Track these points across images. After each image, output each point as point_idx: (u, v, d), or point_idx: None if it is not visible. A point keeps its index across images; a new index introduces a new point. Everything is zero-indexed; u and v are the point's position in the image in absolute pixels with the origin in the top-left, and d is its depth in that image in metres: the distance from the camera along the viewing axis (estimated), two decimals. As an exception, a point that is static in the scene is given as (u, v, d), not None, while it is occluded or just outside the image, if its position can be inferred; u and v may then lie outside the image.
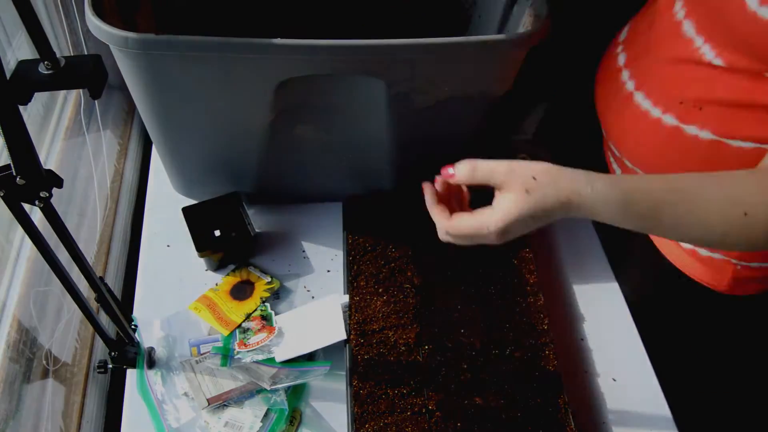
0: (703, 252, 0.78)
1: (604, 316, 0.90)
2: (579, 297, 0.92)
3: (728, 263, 0.77)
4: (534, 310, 0.84)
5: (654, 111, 0.71)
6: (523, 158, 1.02)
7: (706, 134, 0.67)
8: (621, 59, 0.78)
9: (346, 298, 0.84)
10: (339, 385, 0.80)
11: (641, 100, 0.73)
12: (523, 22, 0.82)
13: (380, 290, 0.85)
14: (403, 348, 0.79)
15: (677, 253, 0.82)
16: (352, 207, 0.95)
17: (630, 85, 0.75)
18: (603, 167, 0.96)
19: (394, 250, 0.89)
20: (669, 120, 0.70)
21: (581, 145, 1.00)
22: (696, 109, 0.67)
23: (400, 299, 0.84)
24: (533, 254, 0.90)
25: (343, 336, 0.80)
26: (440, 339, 0.80)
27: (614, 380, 0.83)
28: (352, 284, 0.85)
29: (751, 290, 0.80)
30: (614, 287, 0.93)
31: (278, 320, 0.84)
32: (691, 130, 0.68)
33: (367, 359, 0.77)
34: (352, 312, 0.82)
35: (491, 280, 0.87)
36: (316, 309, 0.84)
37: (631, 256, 0.95)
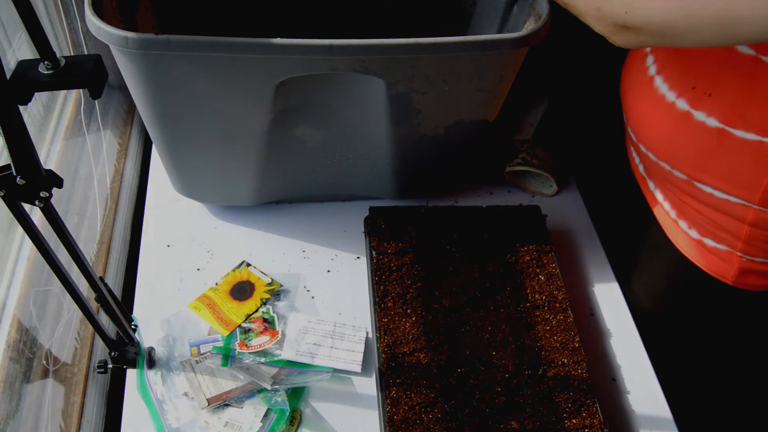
0: (709, 242, 0.80)
1: (605, 316, 0.90)
2: (579, 297, 0.92)
3: (733, 254, 0.78)
4: (564, 328, 0.82)
5: (669, 95, 0.73)
6: (524, 158, 1.02)
7: (712, 121, 0.69)
8: None
9: (369, 330, 0.84)
10: (340, 385, 0.80)
11: (660, 83, 0.75)
12: (523, 22, 0.82)
13: (408, 311, 0.83)
14: (435, 371, 0.77)
15: (687, 242, 0.83)
16: (375, 225, 0.92)
17: (653, 69, 0.77)
18: (601, 166, 0.96)
19: (420, 269, 0.87)
20: (681, 104, 0.72)
21: (581, 145, 1.00)
22: (705, 96, 0.69)
23: (429, 320, 0.82)
24: (560, 270, 0.89)
25: (358, 369, 0.80)
26: (472, 361, 0.78)
27: (613, 380, 0.83)
28: (379, 305, 0.83)
29: (756, 284, 0.81)
30: (614, 287, 0.93)
31: (292, 318, 0.84)
32: (700, 116, 0.70)
33: (399, 383, 0.76)
34: (381, 334, 0.80)
35: (519, 299, 0.85)
36: (340, 328, 0.84)
37: (639, 253, 0.95)
